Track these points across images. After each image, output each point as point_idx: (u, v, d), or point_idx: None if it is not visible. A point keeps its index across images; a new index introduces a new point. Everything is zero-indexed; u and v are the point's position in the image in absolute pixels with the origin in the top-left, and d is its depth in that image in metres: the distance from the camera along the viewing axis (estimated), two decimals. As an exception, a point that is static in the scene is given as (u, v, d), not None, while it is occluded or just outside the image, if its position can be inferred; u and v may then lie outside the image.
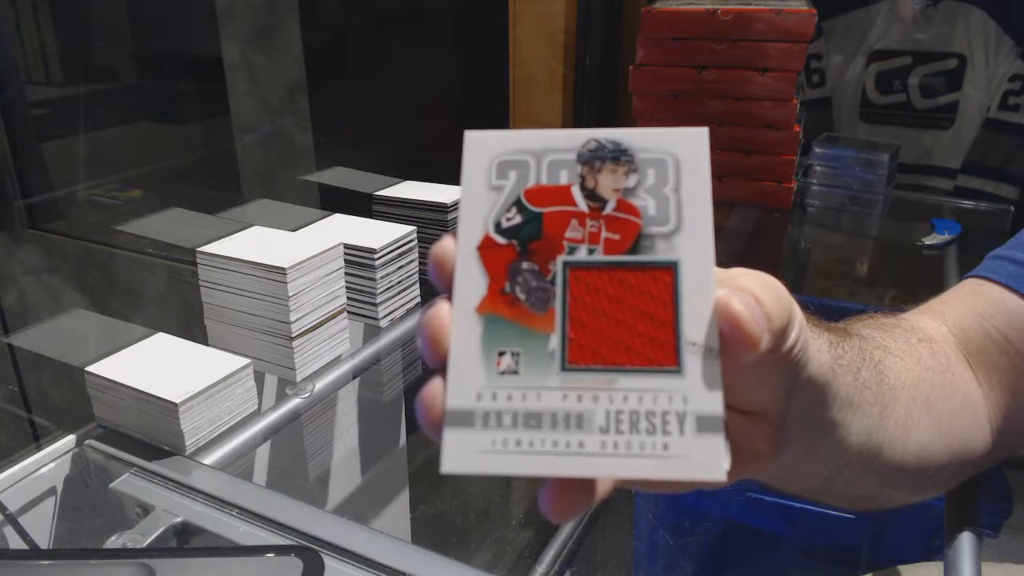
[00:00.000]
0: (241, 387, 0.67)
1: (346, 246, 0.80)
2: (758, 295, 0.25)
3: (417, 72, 1.51)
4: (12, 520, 0.60)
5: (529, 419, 0.24)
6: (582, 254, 0.25)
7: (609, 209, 0.25)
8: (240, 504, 0.58)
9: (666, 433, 0.23)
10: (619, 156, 0.26)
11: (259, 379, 0.71)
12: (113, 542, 0.54)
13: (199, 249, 0.76)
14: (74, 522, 0.68)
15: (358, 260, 0.82)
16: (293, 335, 0.73)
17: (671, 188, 0.25)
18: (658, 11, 1.19)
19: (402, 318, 0.87)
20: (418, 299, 0.89)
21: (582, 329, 0.25)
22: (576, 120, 1.42)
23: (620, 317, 0.25)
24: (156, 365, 0.66)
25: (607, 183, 0.26)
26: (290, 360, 0.74)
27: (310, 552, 0.49)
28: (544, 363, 0.24)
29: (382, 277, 0.83)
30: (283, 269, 0.71)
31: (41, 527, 0.66)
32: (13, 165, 1.53)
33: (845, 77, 1.43)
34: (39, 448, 0.65)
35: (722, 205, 1.24)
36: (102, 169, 1.71)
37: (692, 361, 0.24)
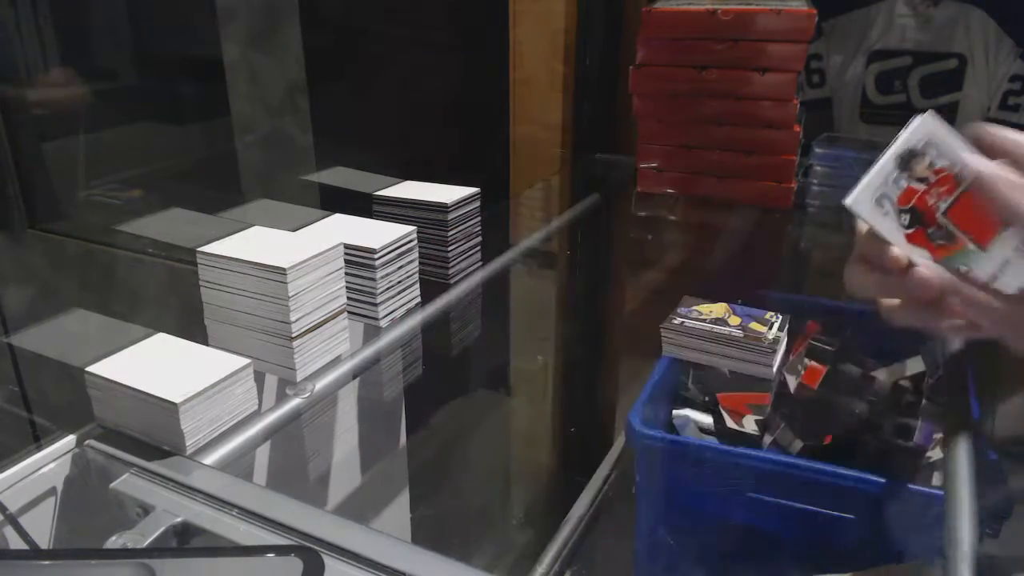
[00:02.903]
0: (241, 387, 0.67)
1: (346, 246, 0.80)
2: None
3: (417, 72, 1.51)
4: (12, 520, 0.60)
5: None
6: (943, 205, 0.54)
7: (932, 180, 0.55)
8: (240, 504, 0.58)
9: None
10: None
11: (259, 379, 0.71)
12: (113, 542, 0.54)
13: (199, 249, 0.76)
14: (74, 522, 0.67)
15: (358, 260, 0.82)
16: (293, 335, 0.73)
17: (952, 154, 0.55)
18: (658, 11, 1.19)
19: (402, 318, 0.87)
20: (418, 299, 0.89)
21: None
22: (576, 120, 1.42)
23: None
24: (156, 365, 0.66)
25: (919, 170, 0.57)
26: (290, 360, 0.74)
27: (310, 552, 0.49)
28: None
29: (382, 277, 0.83)
30: (283, 269, 0.71)
31: (41, 527, 0.66)
32: (13, 165, 1.53)
33: (845, 77, 1.43)
34: (39, 448, 0.65)
35: (722, 205, 1.24)
36: (102, 169, 1.71)
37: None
